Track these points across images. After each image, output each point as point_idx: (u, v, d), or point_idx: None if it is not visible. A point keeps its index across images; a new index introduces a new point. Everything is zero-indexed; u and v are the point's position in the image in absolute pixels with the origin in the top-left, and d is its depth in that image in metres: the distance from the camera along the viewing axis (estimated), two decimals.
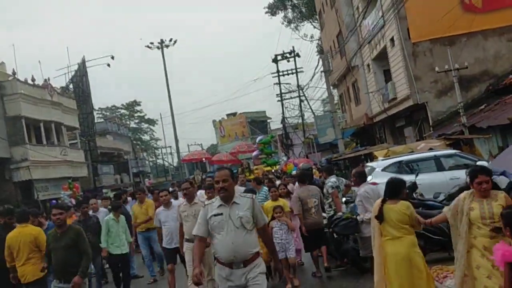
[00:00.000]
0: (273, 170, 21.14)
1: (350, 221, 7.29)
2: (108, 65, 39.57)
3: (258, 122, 59.06)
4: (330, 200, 8.54)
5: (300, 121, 39.03)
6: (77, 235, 6.15)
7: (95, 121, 44.26)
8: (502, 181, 5.23)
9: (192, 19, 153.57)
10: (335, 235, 7.81)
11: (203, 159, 28.96)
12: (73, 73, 38.32)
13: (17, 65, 66.17)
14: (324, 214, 8.36)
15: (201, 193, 14.61)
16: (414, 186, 9.53)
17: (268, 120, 59.62)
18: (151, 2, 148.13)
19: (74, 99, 35.79)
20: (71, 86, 38.55)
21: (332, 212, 8.29)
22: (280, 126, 41.64)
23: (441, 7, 18.63)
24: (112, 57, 39.78)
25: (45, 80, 30.64)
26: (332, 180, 8.68)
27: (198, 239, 4.49)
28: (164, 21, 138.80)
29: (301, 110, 37.64)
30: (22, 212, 7.47)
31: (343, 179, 9.43)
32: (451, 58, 16.59)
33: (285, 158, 26.50)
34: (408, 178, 10.08)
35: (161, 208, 8.37)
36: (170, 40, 43.94)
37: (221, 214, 4.40)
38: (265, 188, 10.80)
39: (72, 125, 33.63)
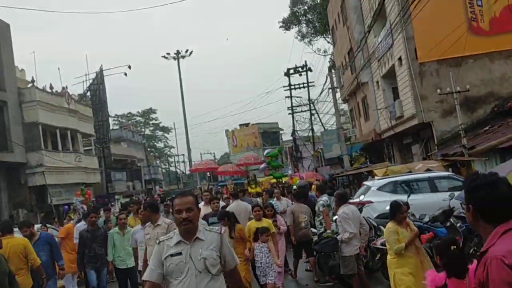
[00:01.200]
0: (278, 183, 21.60)
1: (330, 240, 7.78)
2: (125, 74, 40.64)
3: (270, 133, 59.59)
4: (321, 217, 9.01)
5: (310, 134, 39.45)
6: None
7: (111, 128, 45.28)
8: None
9: (208, 31, 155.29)
10: (322, 252, 8.26)
11: (210, 169, 29.31)
12: (91, 81, 39.39)
13: (36, 71, 67.83)
14: (314, 230, 8.85)
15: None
16: (406, 206, 9.95)
17: (281, 132, 60.12)
18: (169, 14, 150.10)
19: (90, 106, 36.74)
20: (88, 93, 39.56)
21: (322, 229, 8.76)
22: (292, 138, 42.13)
23: (449, 29, 19.01)
24: (129, 67, 40.84)
25: (63, 88, 31.60)
26: (323, 198, 9.16)
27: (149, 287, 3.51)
28: (181, 33, 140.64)
29: (311, 124, 38.09)
30: (5, 223, 7.35)
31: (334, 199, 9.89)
32: (453, 81, 16.96)
33: (290, 172, 26.83)
34: (402, 198, 10.55)
35: (139, 226, 7.83)
36: (186, 51, 44.99)
37: (180, 253, 3.49)
38: (273, 201, 11.27)
39: (88, 132, 34.50)
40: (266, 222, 8.08)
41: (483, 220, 2.31)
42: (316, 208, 9.17)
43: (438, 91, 17.96)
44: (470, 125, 19.94)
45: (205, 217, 9.02)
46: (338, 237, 7.69)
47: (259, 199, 13.48)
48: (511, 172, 5.31)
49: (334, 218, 9.71)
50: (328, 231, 8.46)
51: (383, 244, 8.09)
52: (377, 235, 8.79)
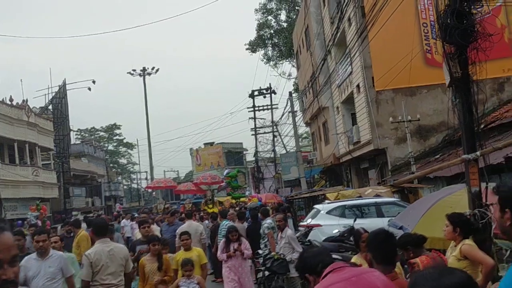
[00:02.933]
0: (238, 204, 21.76)
1: (282, 261, 8.03)
2: (89, 88, 40.37)
3: (234, 153, 59.74)
4: (266, 240, 9.24)
5: (273, 155, 39.88)
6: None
7: (72, 142, 44.59)
8: (399, 234, 6.01)
9: (175, 49, 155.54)
10: (266, 273, 8.46)
11: (168, 187, 28.96)
12: (53, 94, 38.87)
13: None
14: (260, 251, 9.08)
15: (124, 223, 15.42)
16: (352, 230, 10.31)
17: (245, 152, 60.40)
18: (136, 33, 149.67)
19: (51, 120, 36.19)
20: (50, 107, 39.01)
21: (266, 251, 8.98)
22: (254, 159, 42.45)
23: (404, 60, 19.80)
24: (94, 81, 40.59)
25: (23, 100, 31.11)
26: (268, 221, 9.41)
27: None
28: (148, 50, 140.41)
29: (273, 145, 38.54)
30: None
31: None
32: (405, 110, 17.63)
33: (247, 193, 26.96)
34: (349, 222, 10.91)
35: (33, 256, 5.94)
36: (152, 68, 44.96)
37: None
38: (227, 222, 11.38)
39: (47, 146, 33.94)
40: (195, 252, 7.49)
41: (315, 275, 2.82)
42: (261, 231, 9.41)
43: (391, 119, 18.62)
44: (422, 152, 20.69)
45: (133, 246, 8.17)
46: (287, 258, 7.97)
47: (207, 222, 13.59)
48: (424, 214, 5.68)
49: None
50: (273, 253, 8.68)
51: None
52: None
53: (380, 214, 11.85)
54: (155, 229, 10.04)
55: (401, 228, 6.10)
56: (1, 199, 26.37)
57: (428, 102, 21.16)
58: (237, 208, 17.68)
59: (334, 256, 3.10)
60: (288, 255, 8.03)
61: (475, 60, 5.74)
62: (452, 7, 5.57)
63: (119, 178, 67.61)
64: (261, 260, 8.93)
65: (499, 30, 18.22)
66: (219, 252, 8.48)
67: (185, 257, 6.89)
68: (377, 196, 13.22)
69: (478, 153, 5.65)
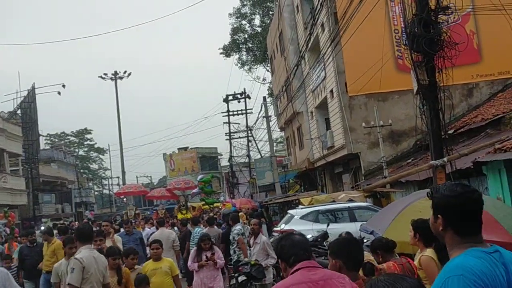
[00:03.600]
0: (212, 210, 21.61)
1: (259, 267, 8.00)
2: (59, 93, 39.54)
3: (208, 158, 59.52)
4: (235, 246, 9.21)
5: (247, 160, 39.85)
6: None
7: (41, 148, 43.71)
8: (371, 239, 6.06)
9: (147, 53, 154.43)
10: (239, 279, 8.39)
11: (139, 193, 28.32)
12: (22, 98, 38.02)
13: None
14: (234, 257, 9.05)
15: None
16: (325, 235, 10.33)
17: (219, 157, 60.23)
18: (107, 36, 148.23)
19: (20, 125, 35.41)
20: (18, 112, 38.16)
21: (235, 257, 8.94)
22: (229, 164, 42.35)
23: (377, 65, 20.02)
24: (64, 85, 39.83)
25: None
26: (237, 228, 9.40)
27: None
28: (120, 56, 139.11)
29: (248, 150, 38.50)
30: None
31: (248, 227, 10.11)
32: (377, 115, 17.82)
33: (222, 198, 26.80)
34: (323, 227, 10.91)
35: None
36: (125, 72, 44.47)
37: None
38: (199, 229, 11.26)
39: (15, 151, 33.17)
40: (166, 262, 7.03)
41: (288, 267, 2.86)
42: (231, 237, 9.38)
43: (364, 124, 18.81)
44: (395, 157, 20.94)
45: None
46: (263, 263, 7.95)
47: (175, 229, 13.41)
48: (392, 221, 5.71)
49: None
50: (246, 258, 8.63)
51: None
52: None
53: (353, 219, 11.91)
54: (117, 239, 9.43)
55: (371, 233, 6.12)
56: None
57: (400, 107, 21.44)
58: (211, 214, 17.57)
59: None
60: (262, 261, 7.99)
61: (442, 68, 5.82)
62: (419, 16, 5.63)
63: (90, 184, 66.51)
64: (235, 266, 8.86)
65: (467, 37, 18.60)
66: (189, 262, 8.08)
67: (147, 272, 6.59)
68: (350, 200, 13.31)
69: (445, 159, 5.72)
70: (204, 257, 7.84)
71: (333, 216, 12.13)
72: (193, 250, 8.32)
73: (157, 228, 12.35)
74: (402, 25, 21.30)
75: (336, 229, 10.90)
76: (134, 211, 23.32)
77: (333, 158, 24.27)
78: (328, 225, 10.51)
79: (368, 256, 4.75)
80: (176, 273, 7.00)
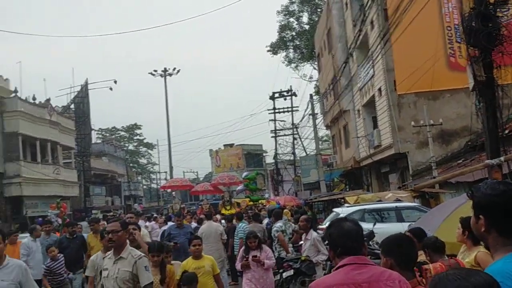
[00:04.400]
0: (256, 206, 21.69)
1: (309, 263, 7.98)
2: (111, 88, 40.72)
3: (254, 155, 59.77)
4: (275, 242, 9.24)
5: (292, 158, 39.79)
6: None
7: (93, 142, 45.13)
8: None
9: (196, 50, 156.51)
10: (284, 275, 8.38)
11: (184, 187, 28.25)
12: (75, 93, 39.41)
13: (22, 81, 67.58)
14: (275, 254, 9.06)
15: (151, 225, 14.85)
16: (371, 234, 10.17)
17: (264, 154, 60.37)
18: (158, 32, 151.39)
19: (73, 119, 36.72)
20: (72, 106, 39.56)
21: (276, 254, 8.95)
22: (274, 161, 42.41)
23: (427, 63, 19.51)
24: (115, 81, 40.98)
25: (46, 99, 31.60)
26: (277, 225, 9.41)
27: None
28: (169, 50, 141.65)
29: (293, 148, 38.41)
30: None
31: (292, 224, 10.08)
32: (427, 114, 17.37)
33: (266, 196, 26.86)
34: (369, 226, 10.78)
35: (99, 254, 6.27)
36: (174, 69, 45.16)
37: (107, 268, 4.57)
38: (243, 225, 11.35)
39: (69, 144, 34.39)
40: (207, 261, 6.59)
41: (336, 256, 2.63)
42: (272, 234, 9.43)
43: (413, 123, 18.38)
44: (445, 157, 20.33)
45: None
46: (314, 259, 7.92)
47: (223, 222, 13.49)
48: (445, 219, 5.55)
49: (300, 242, 9.89)
50: (289, 254, 8.63)
51: None
52: None
53: (400, 219, 11.67)
54: (144, 233, 8.95)
55: None
56: (23, 197, 26.83)
57: (451, 106, 20.81)
58: (256, 211, 17.61)
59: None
60: (313, 257, 7.95)
61: (500, 64, 5.60)
62: (477, 10, 5.44)
63: (139, 178, 68.18)
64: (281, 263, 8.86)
65: None
66: (237, 262, 7.62)
67: (188, 271, 6.09)
68: (398, 200, 13.05)
69: (502, 158, 5.50)
70: (250, 257, 7.21)
71: (380, 215, 11.93)
72: (240, 250, 7.84)
73: (199, 223, 12.60)
74: (455, 22, 20.82)
75: (382, 229, 10.72)
76: (179, 205, 23.62)
77: (380, 157, 23.86)
78: (374, 224, 10.34)
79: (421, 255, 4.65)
80: (217, 271, 6.62)
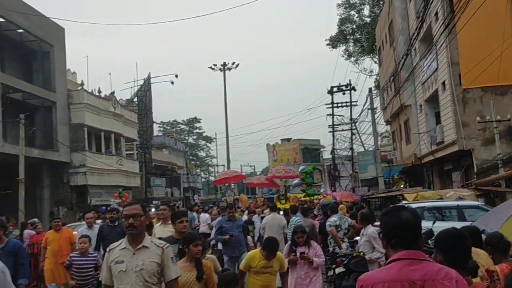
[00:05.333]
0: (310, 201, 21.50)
1: (360, 259, 7.77)
2: (172, 82, 41.70)
3: (311, 150, 59.40)
4: (330, 237, 9.06)
5: (350, 153, 39.14)
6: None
7: (154, 134, 46.39)
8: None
9: (255, 45, 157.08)
10: (337, 271, 8.22)
11: (236, 178, 27.17)
12: (138, 87, 40.65)
13: (88, 74, 70.57)
14: (330, 249, 8.89)
15: (204, 216, 14.88)
16: (430, 233, 9.79)
17: (321, 149, 59.84)
18: (217, 26, 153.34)
19: (136, 112, 37.88)
20: (135, 99, 40.83)
21: (331, 249, 8.78)
22: (331, 156, 41.93)
23: (495, 56, 18.53)
24: (176, 75, 41.95)
25: (111, 93, 32.78)
26: (332, 219, 9.23)
27: None
28: (228, 45, 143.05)
29: (351, 143, 37.75)
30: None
31: (349, 219, 9.83)
32: (494, 109, 16.52)
33: (322, 190, 26.50)
34: (428, 224, 10.40)
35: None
36: (233, 63, 45.58)
37: (122, 261, 3.71)
38: (296, 218, 11.28)
39: (131, 136, 35.51)
40: (277, 261, 6.04)
41: (389, 247, 2.43)
42: (327, 229, 9.28)
43: (478, 118, 17.53)
44: None
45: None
46: (367, 256, 7.73)
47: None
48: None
49: (356, 238, 9.68)
50: (341, 250, 8.45)
51: None
52: None
53: (461, 218, 11.16)
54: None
55: (483, 232, 5.66)
56: (87, 186, 27.99)
57: None
58: (305, 205, 17.45)
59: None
60: (367, 254, 7.72)
61: None
62: None
63: (198, 170, 69.47)
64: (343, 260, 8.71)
65: None
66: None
67: (255, 267, 5.85)
68: (460, 199, 12.51)
69: None
70: (298, 254, 6.71)
71: (440, 214, 11.46)
72: (286, 246, 7.33)
73: (250, 214, 12.63)
74: None
75: (442, 228, 10.29)
76: (233, 197, 23.75)
77: (442, 155, 22.96)
78: (434, 222, 9.93)
79: (481, 256, 4.35)
80: (284, 269, 6.17)
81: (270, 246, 5.92)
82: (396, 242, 2.36)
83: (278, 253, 6.08)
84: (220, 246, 9.86)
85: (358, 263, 7.89)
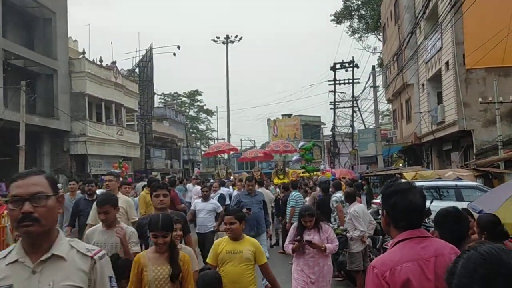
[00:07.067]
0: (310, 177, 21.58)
1: (340, 237, 7.79)
2: (174, 54, 41.46)
3: (311, 127, 59.42)
4: (335, 213, 9.06)
5: (350, 131, 39.19)
6: None
7: (155, 106, 46.28)
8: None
9: (258, 19, 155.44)
10: None
11: (227, 151, 26.33)
12: (140, 57, 40.36)
13: (90, 43, 69.89)
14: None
15: (196, 189, 14.37)
16: (427, 212, 9.87)
17: (322, 126, 59.83)
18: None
19: (137, 83, 37.69)
20: (136, 70, 40.59)
21: (335, 226, 8.80)
22: (331, 133, 41.97)
23: (500, 37, 18.37)
24: (179, 47, 41.66)
25: (112, 62, 32.55)
26: (337, 195, 9.21)
27: None
28: (232, 18, 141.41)
29: (352, 121, 37.74)
30: None
31: None
32: (497, 91, 16.46)
33: (322, 167, 26.54)
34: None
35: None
36: (236, 36, 45.17)
37: (10, 286, 1.93)
38: (296, 194, 11.33)
39: (132, 107, 35.42)
40: (248, 244, 4.72)
41: (393, 226, 2.42)
42: (331, 205, 9.25)
43: (480, 99, 17.49)
44: None
45: (139, 226, 5.24)
46: (348, 235, 7.76)
47: (277, 190, 13.44)
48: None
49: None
50: (341, 227, 8.50)
51: None
52: None
53: (459, 198, 11.24)
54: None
55: (480, 212, 5.72)
56: (87, 155, 28.06)
57: None
58: (301, 180, 17.45)
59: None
60: (350, 232, 7.74)
61: None
62: None
63: (198, 143, 69.50)
64: None
65: None
66: (286, 241, 6.20)
67: (220, 255, 4.66)
68: (458, 179, 12.57)
69: None
70: (306, 238, 5.82)
71: (438, 193, 11.54)
72: (292, 226, 6.26)
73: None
74: None
75: (439, 207, 10.39)
76: (225, 170, 23.26)
77: (443, 135, 23.00)
78: (431, 202, 9.99)
79: None
80: (263, 261, 4.73)
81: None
82: (404, 225, 2.36)
83: (250, 238, 4.93)
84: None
85: (338, 240, 7.85)
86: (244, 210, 7.80)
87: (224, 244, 4.71)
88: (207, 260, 4.78)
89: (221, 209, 9.08)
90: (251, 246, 4.69)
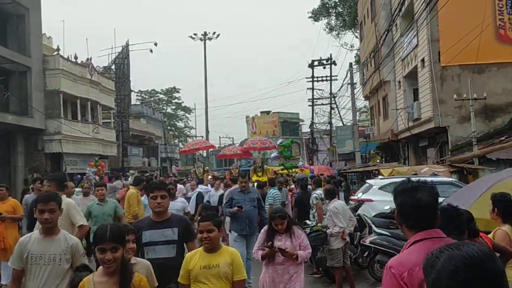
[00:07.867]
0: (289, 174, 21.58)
1: (320, 233, 7.80)
2: (151, 50, 40.99)
3: (290, 123, 59.59)
4: (314, 210, 9.08)
5: (328, 128, 39.42)
6: None
7: (132, 103, 45.79)
8: None
9: (236, 15, 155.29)
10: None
11: (205, 148, 26.10)
12: (116, 54, 39.86)
13: (64, 41, 68.79)
14: (308, 222, 8.92)
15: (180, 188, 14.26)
16: None
17: (301, 123, 60.05)
18: None
19: (113, 80, 37.20)
20: (113, 67, 40.08)
21: (314, 222, 8.82)
22: (310, 130, 42.17)
23: (475, 35, 18.67)
24: (155, 44, 41.24)
25: (87, 59, 32.05)
26: (317, 192, 9.23)
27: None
28: (209, 14, 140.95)
29: (330, 118, 37.95)
30: None
31: None
32: (471, 87, 16.73)
33: (300, 164, 26.66)
34: None
35: None
36: (214, 33, 44.95)
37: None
38: (274, 191, 11.26)
39: (108, 104, 34.93)
40: (227, 256, 4.00)
41: (405, 226, 2.40)
42: (310, 201, 9.27)
43: (455, 96, 17.75)
44: (487, 133, 19.67)
45: None
46: (328, 231, 7.75)
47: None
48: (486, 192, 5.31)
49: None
50: (319, 224, 8.52)
51: (372, 242, 8.14)
52: (375, 232, 8.61)
53: None
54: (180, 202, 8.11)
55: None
56: (63, 153, 27.61)
57: (498, 81, 20.00)
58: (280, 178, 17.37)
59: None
60: (330, 228, 7.73)
61: None
62: None
63: (176, 141, 69.08)
64: (307, 231, 8.78)
65: None
66: (254, 249, 5.54)
67: (194, 271, 3.94)
68: (434, 175, 12.71)
69: None
70: (275, 244, 5.24)
71: None
72: (262, 230, 5.59)
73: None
74: None
75: None
76: (202, 168, 23.01)
77: (419, 131, 23.29)
78: None
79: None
80: (240, 276, 3.98)
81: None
82: (414, 224, 2.34)
83: (229, 248, 4.43)
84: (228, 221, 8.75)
85: (317, 236, 7.81)
86: (235, 208, 7.81)
87: (197, 258, 3.97)
88: (179, 279, 4.04)
89: (189, 209, 8.66)
90: (229, 257, 3.98)
